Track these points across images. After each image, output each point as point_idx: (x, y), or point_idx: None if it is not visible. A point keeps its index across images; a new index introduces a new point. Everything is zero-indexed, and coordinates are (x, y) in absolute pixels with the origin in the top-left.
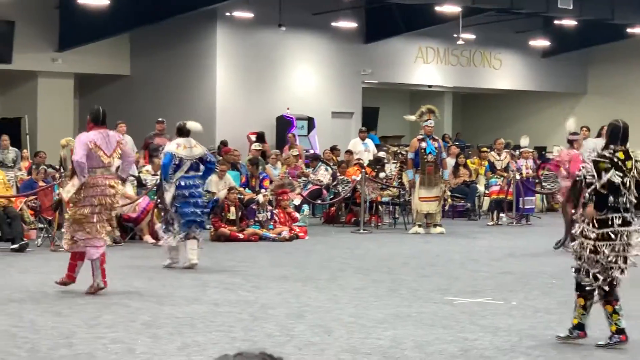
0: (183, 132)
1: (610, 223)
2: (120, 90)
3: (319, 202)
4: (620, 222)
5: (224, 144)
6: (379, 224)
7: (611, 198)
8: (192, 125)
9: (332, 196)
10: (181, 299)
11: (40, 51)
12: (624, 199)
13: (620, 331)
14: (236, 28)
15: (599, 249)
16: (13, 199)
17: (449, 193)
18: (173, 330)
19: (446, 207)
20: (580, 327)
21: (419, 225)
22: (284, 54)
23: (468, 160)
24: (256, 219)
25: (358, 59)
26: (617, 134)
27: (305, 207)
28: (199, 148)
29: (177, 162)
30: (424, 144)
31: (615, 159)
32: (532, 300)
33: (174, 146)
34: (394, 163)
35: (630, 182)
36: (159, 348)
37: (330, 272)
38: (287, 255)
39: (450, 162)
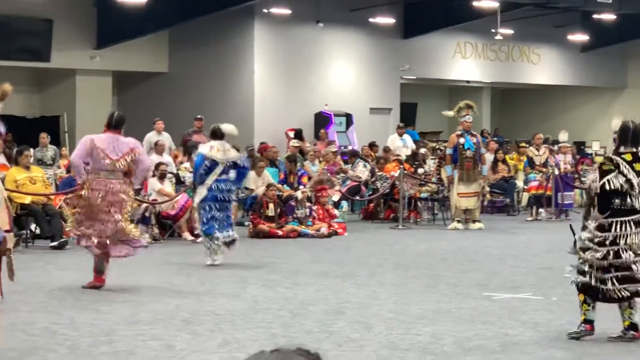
0: (217, 134)
1: (611, 227)
2: (158, 88)
3: (358, 198)
4: (626, 227)
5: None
6: (418, 219)
7: (617, 201)
8: (227, 128)
9: (370, 192)
10: (220, 295)
11: (79, 49)
12: (631, 201)
13: (634, 327)
14: (274, 24)
15: (604, 253)
16: (52, 197)
17: (487, 189)
18: (213, 327)
19: (485, 203)
20: (634, 328)
21: (458, 221)
22: (322, 50)
23: (507, 156)
24: (295, 215)
25: (396, 55)
26: (626, 135)
27: (344, 203)
28: (232, 152)
29: (208, 165)
30: (462, 140)
31: (621, 161)
32: (572, 295)
33: (207, 148)
34: (432, 159)
35: (638, 184)
36: (199, 345)
37: (369, 268)
38: (326, 251)
39: (489, 157)
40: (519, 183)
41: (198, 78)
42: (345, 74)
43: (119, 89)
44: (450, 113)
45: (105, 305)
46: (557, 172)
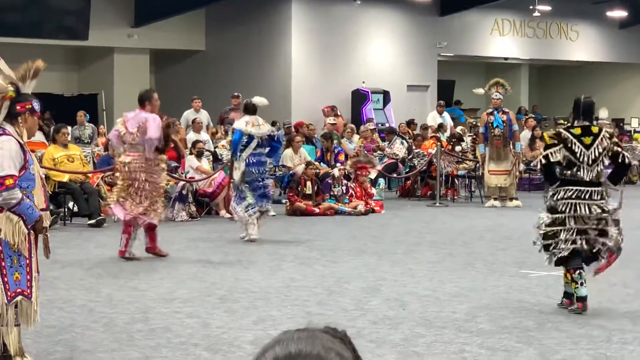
0: (250, 109)
1: (560, 196)
2: (195, 66)
3: (395, 176)
4: (572, 194)
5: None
6: (455, 197)
7: (568, 173)
8: (257, 100)
9: (407, 170)
10: (257, 273)
11: (116, 27)
12: (581, 173)
13: (579, 299)
14: (311, 2)
15: (555, 221)
16: (90, 175)
17: (522, 166)
18: (248, 304)
19: (517, 180)
20: (567, 296)
21: (495, 199)
22: (359, 28)
23: (545, 133)
24: (332, 193)
25: (433, 32)
26: (577, 110)
27: (381, 180)
28: (266, 126)
29: (246, 140)
30: (491, 118)
31: (568, 135)
32: (609, 274)
33: (243, 124)
34: (470, 136)
35: (587, 156)
36: (235, 322)
37: (406, 246)
38: (363, 229)
39: (526, 135)
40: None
41: (235, 56)
42: (383, 51)
43: (157, 67)
44: (481, 90)
45: (143, 282)
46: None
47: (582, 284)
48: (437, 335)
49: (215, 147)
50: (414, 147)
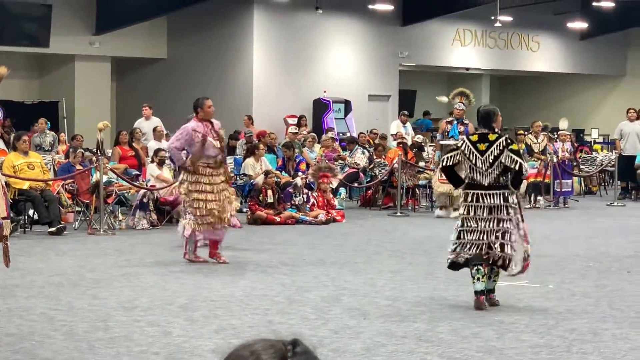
0: None
1: (463, 199)
2: (157, 74)
3: (356, 185)
4: (469, 199)
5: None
6: (416, 207)
7: (471, 176)
8: None
9: (368, 179)
10: (218, 281)
11: (78, 34)
12: (478, 177)
13: (476, 293)
14: (273, 10)
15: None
16: (50, 183)
17: None
18: (209, 313)
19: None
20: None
21: (441, 207)
22: (321, 37)
23: None
24: (293, 202)
25: (395, 42)
26: (478, 118)
27: (342, 190)
28: None
29: None
30: (449, 127)
31: (466, 142)
32: (569, 283)
33: None
34: (430, 146)
35: (480, 162)
36: (195, 331)
37: (367, 255)
38: (324, 238)
39: None
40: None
41: (197, 64)
42: (344, 60)
43: (118, 74)
44: (445, 99)
45: (103, 290)
46: (555, 159)
47: (478, 279)
48: (398, 345)
49: None
50: (375, 157)
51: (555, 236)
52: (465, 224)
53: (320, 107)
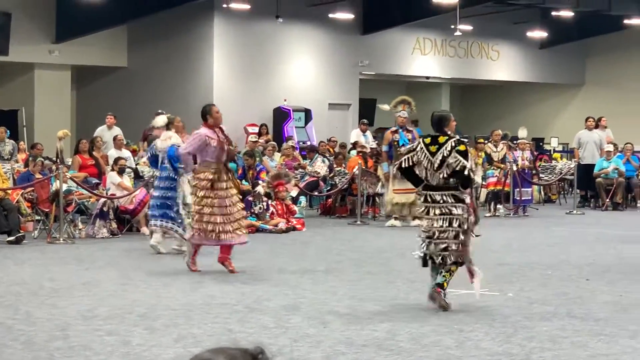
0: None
1: (420, 199)
2: (117, 82)
3: (316, 193)
4: (424, 199)
5: None
6: (376, 215)
7: (424, 177)
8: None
9: (329, 188)
10: (177, 290)
11: (37, 43)
12: (430, 178)
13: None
14: (233, 19)
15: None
16: (10, 191)
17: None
18: (169, 322)
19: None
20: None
21: (396, 218)
22: (281, 46)
23: None
24: (252, 210)
25: (355, 51)
26: (432, 123)
27: (303, 198)
28: (168, 141)
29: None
30: (397, 136)
31: (420, 144)
32: (529, 291)
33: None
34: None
35: (430, 164)
36: (155, 340)
37: (327, 264)
38: (284, 246)
39: None
40: (477, 179)
41: (157, 73)
42: (304, 69)
43: (78, 83)
44: (387, 107)
45: (63, 300)
46: (515, 168)
47: (438, 272)
48: (358, 354)
49: (136, 164)
50: (335, 165)
51: (514, 244)
52: (424, 223)
53: (281, 115)
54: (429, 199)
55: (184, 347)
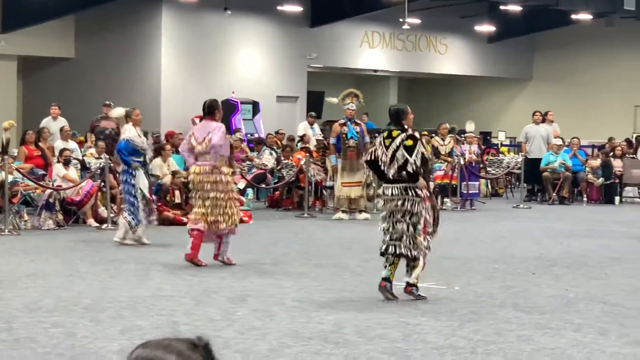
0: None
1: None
2: (64, 73)
3: (264, 186)
4: (383, 192)
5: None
6: (323, 208)
7: (383, 170)
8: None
9: (276, 180)
10: (124, 282)
11: None
12: (386, 171)
13: (383, 279)
14: (181, 11)
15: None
16: None
17: (372, 177)
18: (115, 314)
19: (371, 192)
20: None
21: (343, 211)
22: (229, 38)
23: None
24: None
25: (303, 43)
26: (389, 116)
27: (250, 191)
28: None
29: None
30: (345, 129)
31: (379, 139)
32: (475, 285)
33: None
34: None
35: (385, 156)
36: (101, 332)
37: (274, 257)
38: (231, 239)
39: None
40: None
41: (105, 64)
42: (253, 61)
43: (25, 73)
44: (335, 100)
45: (8, 291)
46: (462, 161)
47: (385, 267)
48: (304, 346)
49: (83, 155)
50: (282, 158)
51: (461, 238)
52: (384, 216)
53: (229, 107)
54: (385, 192)
55: (129, 339)
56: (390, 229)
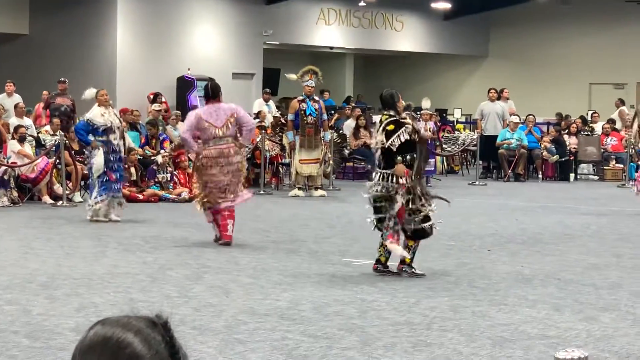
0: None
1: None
2: (19, 50)
3: None
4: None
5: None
6: (279, 185)
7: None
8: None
9: None
10: (79, 259)
11: None
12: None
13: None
14: None
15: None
16: None
17: (329, 155)
18: (70, 291)
19: (328, 170)
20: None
21: (299, 188)
22: (185, 15)
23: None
24: (156, 179)
25: (259, 20)
26: (381, 101)
27: None
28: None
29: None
30: (304, 105)
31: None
32: (431, 262)
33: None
34: None
35: (375, 141)
36: (56, 309)
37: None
38: (187, 216)
39: (350, 124)
40: None
41: (60, 41)
42: (209, 38)
43: None
44: (294, 76)
45: None
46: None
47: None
48: (260, 323)
49: (38, 132)
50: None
51: None
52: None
53: (185, 84)
54: (374, 177)
55: (85, 316)
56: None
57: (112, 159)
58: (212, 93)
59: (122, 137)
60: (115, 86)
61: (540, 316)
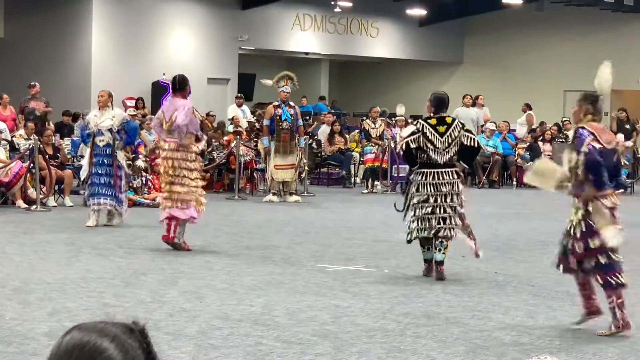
0: None
1: (419, 177)
2: None
3: None
4: (425, 178)
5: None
6: (254, 190)
7: (424, 157)
8: None
9: (207, 162)
10: (53, 264)
11: None
12: (433, 157)
13: (436, 263)
14: None
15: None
16: None
17: (305, 160)
18: (43, 296)
19: (303, 175)
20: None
21: (274, 194)
22: (160, 19)
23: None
24: (130, 184)
25: (235, 25)
26: (434, 104)
27: None
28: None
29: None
30: (279, 111)
31: (424, 125)
32: (405, 268)
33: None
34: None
35: (440, 143)
36: (29, 314)
37: (204, 239)
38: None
39: (325, 129)
40: (355, 155)
41: (35, 44)
42: (184, 43)
43: None
44: (269, 82)
45: None
46: (393, 145)
47: (440, 250)
48: (234, 328)
49: (12, 136)
50: (213, 140)
51: (391, 221)
52: (421, 201)
53: (160, 89)
54: (432, 177)
55: (58, 321)
56: (439, 212)
57: (98, 162)
58: (178, 85)
59: (115, 139)
60: (90, 90)
61: (513, 323)
